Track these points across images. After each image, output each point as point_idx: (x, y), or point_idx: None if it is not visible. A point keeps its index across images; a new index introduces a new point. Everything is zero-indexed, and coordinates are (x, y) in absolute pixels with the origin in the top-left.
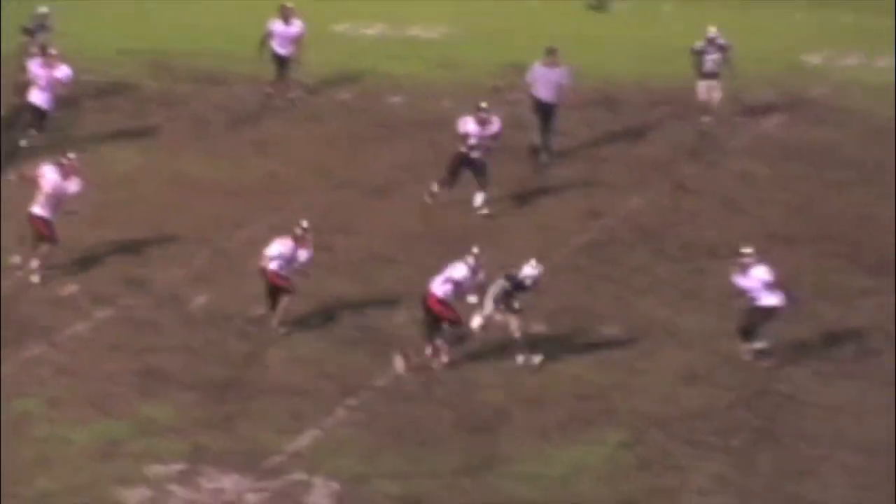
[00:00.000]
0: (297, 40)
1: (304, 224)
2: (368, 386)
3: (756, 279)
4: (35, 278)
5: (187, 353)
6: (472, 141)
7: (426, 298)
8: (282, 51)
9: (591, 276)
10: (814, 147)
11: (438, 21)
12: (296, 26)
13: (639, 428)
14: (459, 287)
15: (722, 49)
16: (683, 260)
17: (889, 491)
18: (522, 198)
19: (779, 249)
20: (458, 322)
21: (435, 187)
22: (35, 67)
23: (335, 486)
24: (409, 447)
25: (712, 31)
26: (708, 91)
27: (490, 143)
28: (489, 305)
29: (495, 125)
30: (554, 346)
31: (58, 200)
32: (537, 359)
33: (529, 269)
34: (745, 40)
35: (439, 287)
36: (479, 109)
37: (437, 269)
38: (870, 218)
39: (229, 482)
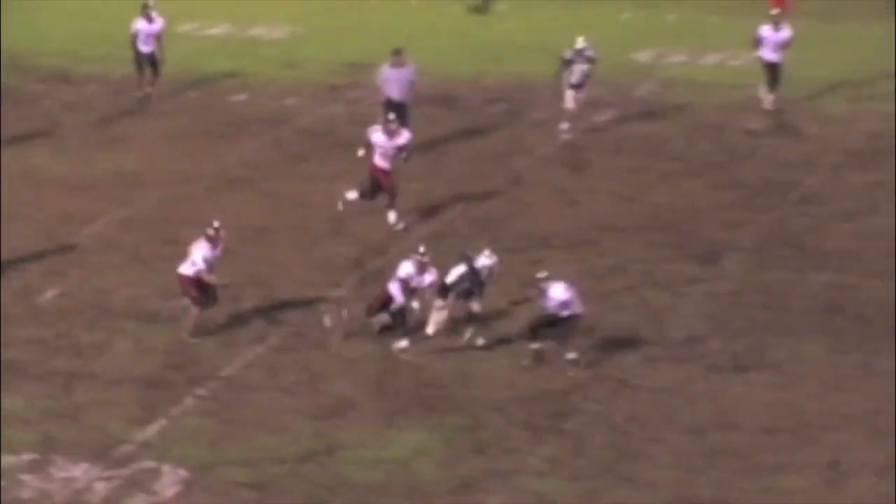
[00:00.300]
0: (159, 37)
1: (216, 224)
2: (215, 376)
3: (554, 299)
4: None
5: (38, 346)
6: (381, 153)
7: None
8: (146, 48)
9: (435, 266)
10: (642, 140)
11: (281, 21)
12: (157, 24)
13: (476, 413)
14: (406, 284)
15: (590, 60)
16: (519, 250)
17: (713, 471)
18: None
19: (609, 238)
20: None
21: (352, 196)
22: None
23: (183, 473)
24: (254, 435)
25: (580, 42)
26: (573, 99)
27: (397, 155)
28: (447, 301)
29: (403, 137)
30: (394, 335)
31: None
32: (480, 340)
33: (485, 259)
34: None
35: (392, 286)
36: (389, 121)
37: (282, 261)
38: (696, 208)
39: (79, 471)
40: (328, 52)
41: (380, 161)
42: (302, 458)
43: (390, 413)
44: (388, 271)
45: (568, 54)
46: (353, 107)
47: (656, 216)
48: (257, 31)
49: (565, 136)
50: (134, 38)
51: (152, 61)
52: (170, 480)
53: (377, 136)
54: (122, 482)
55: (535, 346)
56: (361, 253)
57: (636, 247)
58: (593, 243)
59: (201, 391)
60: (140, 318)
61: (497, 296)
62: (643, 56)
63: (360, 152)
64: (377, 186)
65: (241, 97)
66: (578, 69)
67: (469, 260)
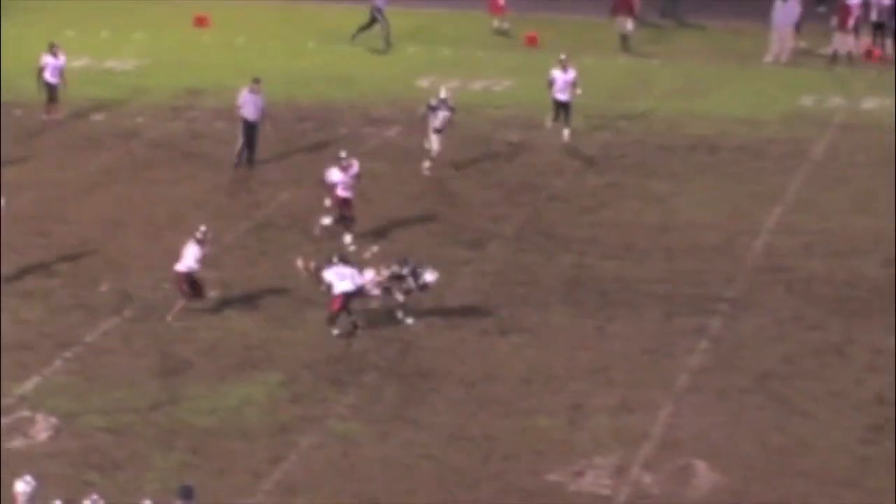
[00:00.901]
0: (62, 71)
1: (203, 228)
2: (80, 342)
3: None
4: None
5: None
6: (342, 185)
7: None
8: (52, 80)
9: (255, 253)
10: (423, 151)
11: (131, 55)
12: (61, 59)
13: (293, 370)
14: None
15: (451, 109)
16: (325, 239)
17: (482, 414)
18: (202, 195)
19: (398, 230)
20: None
21: (327, 221)
22: None
23: (54, 420)
24: (112, 389)
25: (444, 92)
26: (434, 143)
27: (355, 183)
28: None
29: (355, 167)
30: (226, 307)
31: None
32: (410, 320)
33: (430, 276)
34: (371, 69)
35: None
36: (340, 158)
37: (133, 249)
38: (467, 204)
39: None
40: (170, 79)
41: (342, 192)
42: (151, 408)
43: (222, 371)
44: (221, 258)
45: (433, 102)
46: (191, 124)
47: (435, 211)
48: (112, 63)
49: (427, 174)
50: (41, 70)
51: (52, 91)
52: (43, 427)
53: (335, 174)
54: (4, 429)
55: (350, 318)
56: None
57: (419, 235)
58: (385, 232)
59: (68, 354)
60: (17, 295)
61: (304, 278)
62: (424, 82)
63: (327, 202)
64: (343, 213)
65: (99, 117)
66: (442, 115)
67: (413, 273)
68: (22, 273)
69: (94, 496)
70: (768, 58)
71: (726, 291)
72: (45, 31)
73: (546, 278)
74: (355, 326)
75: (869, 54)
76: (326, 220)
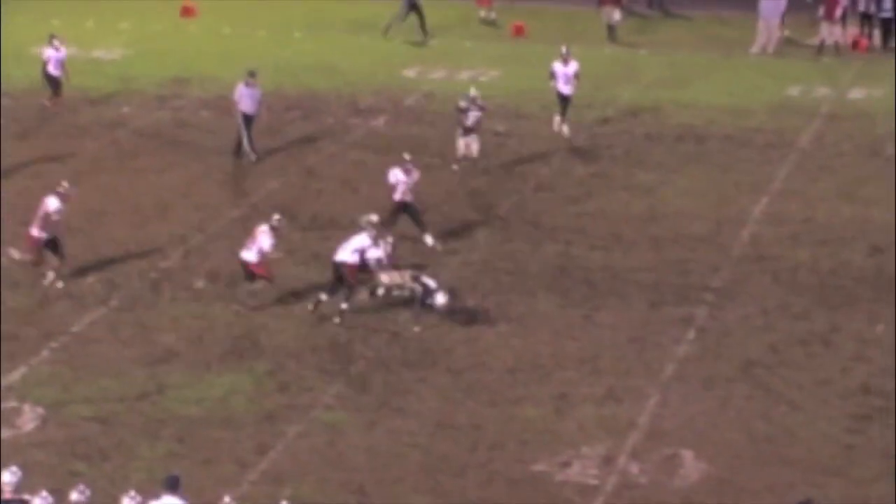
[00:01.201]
0: (64, 62)
1: (277, 216)
2: (66, 332)
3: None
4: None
5: None
6: (402, 188)
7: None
8: (55, 72)
9: (242, 243)
10: (410, 140)
11: (117, 45)
12: (63, 51)
13: (279, 359)
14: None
15: (481, 108)
16: (312, 229)
17: (469, 403)
18: (188, 184)
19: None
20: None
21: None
22: None
23: (40, 410)
24: (99, 379)
25: (473, 91)
26: (466, 146)
27: (414, 188)
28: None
29: (415, 174)
30: (212, 297)
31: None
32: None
33: (440, 299)
34: (357, 59)
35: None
36: (404, 161)
37: (119, 238)
38: (453, 194)
39: None
40: (156, 69)
41: (401, 196)
42: (137, 397)
43: (208, 360)
44: (207, 247)
45: (463, 103)
46: (177, 113)
47: (421, 201)
48: (98, 52)
49: (454, 168)
50: (45, 64)
51: (57, 83)
52: (29, 417)
53: (397, 174)
54: None
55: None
56: (184, 231)
57: (406, 224)
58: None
59: (54, 344)
60: (3, 285)
61: (294, 266)
62: (411, 72)
63: (396, 197)
64: (395, 216)
65: (85, 107)
66: (473, 115)
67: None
68: (7, 262)
69: (81, 486)
70: (755, 48)
71: (712, 281)
72: (30, 20)
73: (533, 268)
74: (319, 301)
75: (856, 44)
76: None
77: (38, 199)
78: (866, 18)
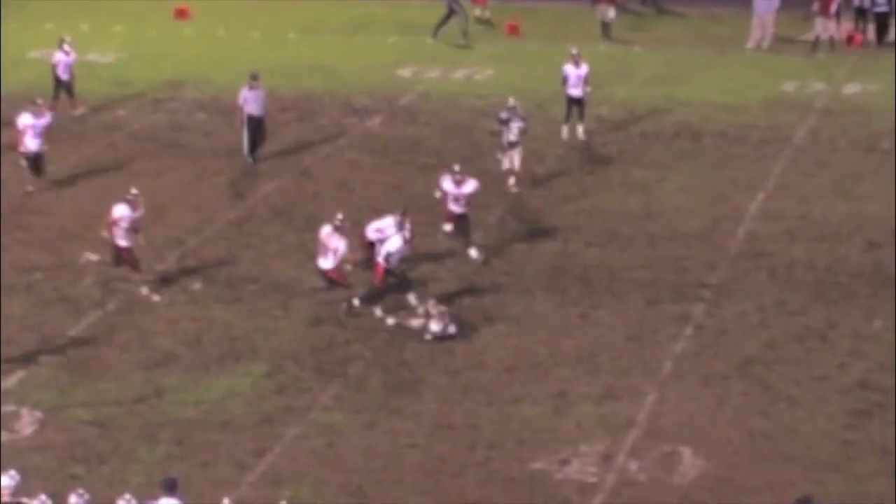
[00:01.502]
0: (72, 66)
1: (340, 216)
2: (63, 336)
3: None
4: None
5: None
6: (451, 198)
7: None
8: (65, 76)
9: (237, 245)
10: (405, 140)
11: (111, 48)
12: (72, 55)
13: (277, 361)
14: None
15: (523, 119)
16: (307, 230)
17: (466, 403)
18: (184, 187)
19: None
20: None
21: (448, 228)
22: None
23: (39, 414)
24: (97, 383)
25: (512, 101)
26: (510, 159)
27: (468, 199)
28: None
29: (470, 185)
30: (209, 299)
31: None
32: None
33: (452, 328)
34: (351, 59)
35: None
36: (454, 171)
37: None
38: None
39: None
40: (151, 72)
41: (453, 207)
42: (135, 401)
43: (206, 362)
44: (204, 249)
45: (503, 115)
46: (172, 116)
47: (417, 200)
48: (92, 55)
49: (514, 191)
50: (55, 67)
51: (68, 87)
52: (28, 421)
53: (446, 183)
54: None
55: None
56: (180, 234)
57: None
58: (368, 223)
59: (52, 348)
60: (2, 290)
61: (289, 267)
62: (405, 72)
63: (437, 194)
64: (458, 228)
65: (81, 110)
66: (515, 126)
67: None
68: (4, 267)
69: (80, 490)
70: (750, 44)
71: (709, 278)
72: (24, 25)
73: (529, 266)
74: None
75: (850, 39)
76: (447, 227)
77: (32, 204)
78: (861, 13)
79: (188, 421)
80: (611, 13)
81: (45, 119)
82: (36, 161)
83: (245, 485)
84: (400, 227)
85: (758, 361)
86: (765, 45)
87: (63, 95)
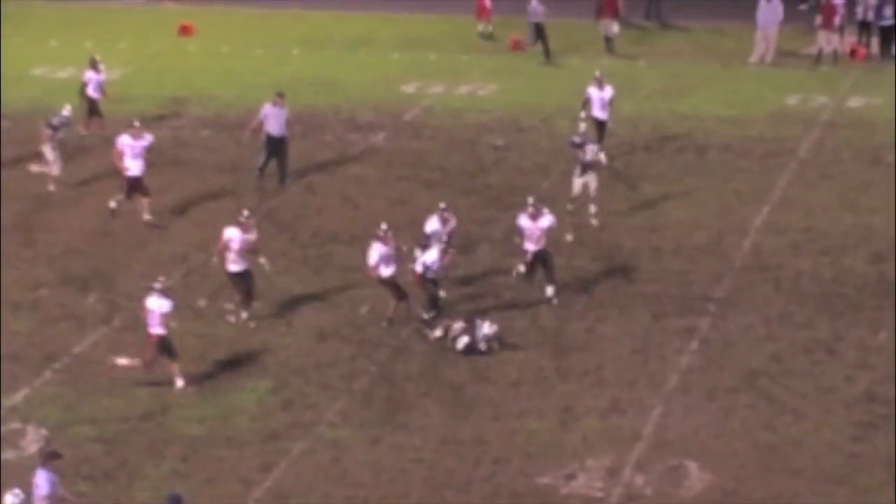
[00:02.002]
0: (103, 85)
1: (384, 227)
2: (68, 353)
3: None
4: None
5: None
6: (528, 235)
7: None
8: (95, 95)
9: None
10: (409, 155)
11: (116, 64)
12: (103, 74)
13: (282, 377)
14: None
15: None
16: (313, 245)
17: (472, 417)
18: (188, 203)
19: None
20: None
21: (521, 269)
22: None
23: (44, 431)
24: (102, 399)
25: (583, 127)
26: (584, 186)
27: (545, 235)
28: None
29: (546, 219)
30: (214, 316)
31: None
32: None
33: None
34: (355, 75)
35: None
36: (528, 205)
37: (120, 258)
38: (454, 207)
39: None
40: (155, 88)
41: (528, 245)
42: (141, 417)
43: (212, 378)
44: (208, 265)
45: (577, 138)
46: (177, 132)
47: (422, 215)
48: None
49: (594, 223)
50: (84, 86)
51: (96, 106)
52: (33, 438)
53: (522, 219)
54: None
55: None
56: (185, 250)
57: (406, 240)
58: (372, 239)
59: (57, 365)
60: (5, 306)
61: (294, 282)
62: (409, 88)
63: (517, 240)
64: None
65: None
66: (590, 148)
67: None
68: (8, 284)
69: (16, 490)
70: (753, 58)
71: (715, 291)
72: (28, 41)
73: (535, 281)
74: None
75: (854, 53)
76: (521, 268)
77: (36, 220)
78: (865, 27)
79: (194, 437)
80: (614, 28)
81: (144, 140)
82: (133, 183)
83: (251, 501)
84: (444, 222)
85: (763, 374)
86: (768, 58)
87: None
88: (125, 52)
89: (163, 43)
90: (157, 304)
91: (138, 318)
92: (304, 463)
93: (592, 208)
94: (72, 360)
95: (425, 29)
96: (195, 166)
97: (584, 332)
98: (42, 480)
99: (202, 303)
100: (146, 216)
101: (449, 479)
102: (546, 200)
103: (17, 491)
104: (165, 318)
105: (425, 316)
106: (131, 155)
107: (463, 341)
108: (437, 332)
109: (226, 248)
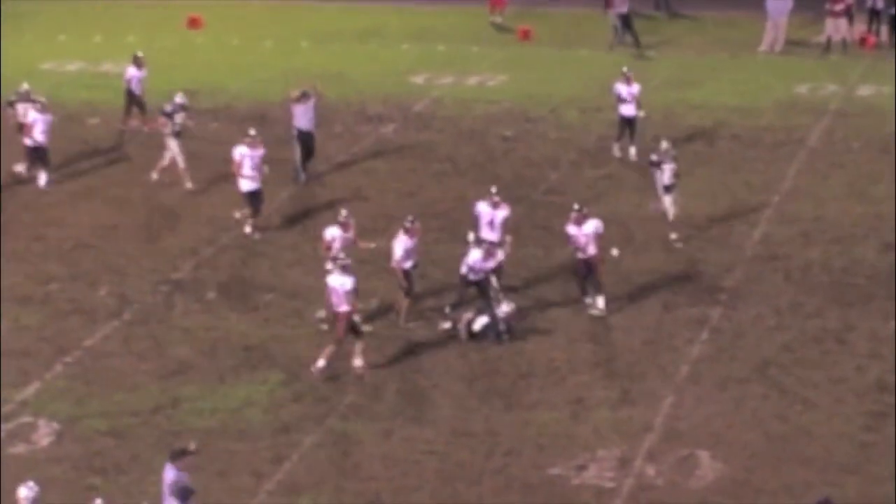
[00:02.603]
0: (143, 81)
1: (411, 218)
2: (79, 346)
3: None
4: None
5: None
6: (575, 242)
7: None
8: (137, 91)
9: (253, 254)
10: (419, 147)
11: (125, 59)
12: (144, 70)
13: (293, 370)
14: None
15: (674, 159)
16: (321, 238)
17: (484, 409)
18: (198, 196)
19: (396, 226)
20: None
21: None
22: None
23: (55, 425)
24: (113, 393)
25: (665, 144)
26: (666, 208)
27: (589, 241)
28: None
29: (593, 224)
30: (224, 308)
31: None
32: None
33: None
34: (364, 67)
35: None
36: (573, 210)
37: (130, 252)
38: (463, 200)
39: None
40: (164, 82)
41: (580, 253)
42: (152, 411)
43: (222, 372)
44: (218, 258)
45: (655, 157)
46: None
47: (432, 207)
48: (106, 66)
49: (678, 245)
50: (129, 82)
51: (140, 103)
52: (44, 432)
53: (570, 227)
54: (6, 434)
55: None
56: (195, 243)
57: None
58: (383, 230)
59: (68, 359)
60: (16, 301)
61: (304, 275)
62: (419, 79)
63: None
64: (584, 275)
65: (95, 121)
66: (668, 168)
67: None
68: (20, 279)
69: (98, 500)
70: (763, 47)
71: (725, 281)
72: (37, 37)
73: (544, 272)
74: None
75: (863, 41)
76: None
77: (46, 215)
78: (874, 15)
79: (205, 430)
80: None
81: (260, 151)
82: (251, 197)
83: (263, 493)
84: (495, 206)
85: (774, 364)
86: (778, 48)
87: (134, 110)
88: (134, 46)
89: (172, 36)
90: (339, 282)
91: (149, 312)
92: (315, 456)
93: (673, 235)
94: (83, 353)
95: (434, 20)
96: (204, 159)
97: (595, 323)
98: (170, 478)
99: (212, 295)
100: (247, 229)
101: (461, 471)
102: (556, 191)
103: (31, 484)
104: (349, 296)
105: (447, 310)
106: (251, 166)
107: (481, 321)
108: (447, 325)
109: (328, 248)
